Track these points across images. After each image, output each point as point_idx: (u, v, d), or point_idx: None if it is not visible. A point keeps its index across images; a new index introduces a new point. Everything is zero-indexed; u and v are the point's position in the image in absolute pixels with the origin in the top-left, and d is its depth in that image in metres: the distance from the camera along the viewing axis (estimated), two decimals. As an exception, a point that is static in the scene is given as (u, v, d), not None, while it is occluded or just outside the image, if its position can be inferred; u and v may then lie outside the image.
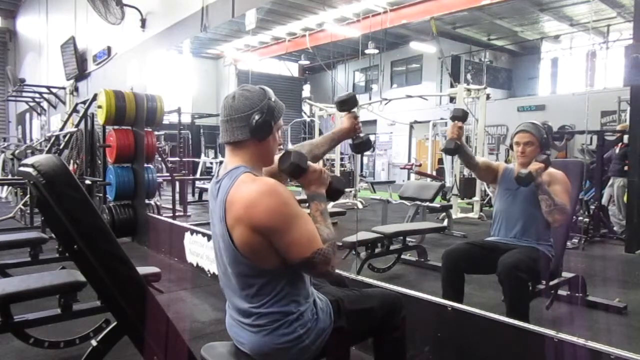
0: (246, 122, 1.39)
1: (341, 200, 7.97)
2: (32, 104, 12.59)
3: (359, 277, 2.76)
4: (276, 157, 1.52)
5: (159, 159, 7.46)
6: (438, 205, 5.50)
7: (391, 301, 1.66)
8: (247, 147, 1.42)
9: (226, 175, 1.40)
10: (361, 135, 1.84)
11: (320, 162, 2.01)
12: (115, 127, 5.33)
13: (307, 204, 1.50)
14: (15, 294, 2.04)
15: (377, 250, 3.66)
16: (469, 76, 14.08)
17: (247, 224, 1.30)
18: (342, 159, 10.90)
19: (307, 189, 1.48)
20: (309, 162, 1.49)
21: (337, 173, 9.13)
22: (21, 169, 1.28)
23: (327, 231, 1.39)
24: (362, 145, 1.84)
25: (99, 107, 5.20)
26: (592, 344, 1.68)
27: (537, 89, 14.64)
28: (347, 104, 1.84)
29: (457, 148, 2.51)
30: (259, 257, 1.34)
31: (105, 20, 6.35)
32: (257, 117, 1.38)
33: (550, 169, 2.49)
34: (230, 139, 1.41)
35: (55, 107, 11.11)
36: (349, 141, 1.88)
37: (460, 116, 2.53)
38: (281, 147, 1.53)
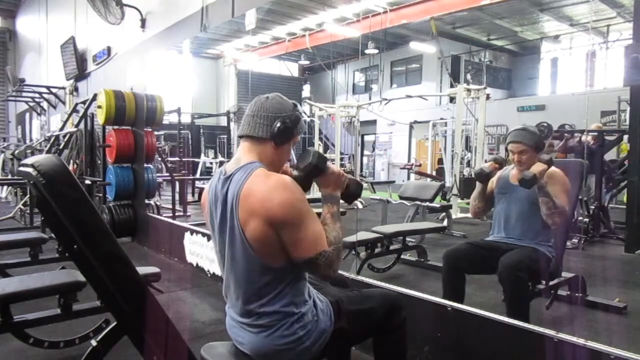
0: (271, 123, 1.43)
1: (341, 200, 7.95)
2: (31, 104, 12.56)
3: (359, 277, 2.76)
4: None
5: (159, 159, 7.45)
6: (438, 205, 5.49)
7: (391, 301, 1.66)
8: (263, 147, 1.45)
9: (239, 169, 1.41)
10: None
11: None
12: (115, 127, 5.32)
13: (319, 203, 1.51)
14: (15, 294, 2.04)
15: (377, 250, 3.66)
16: (468, 76, 14.07)
17: (262, 217, 1.32)
18: (341, 159, 10.89)
19: (323, 189, 1.51)
20: (328, 164, 1.50)
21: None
22: (21, 169, 1.28)
23: (334, 234, 1.41)
24: (311, 173, 1.50)
25: (99, 107, 5.20)
26: (592, 344, 1.68)
27: (537, 89, 14.63)
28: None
29: (489, 175, 2.69)
30: (268, 253, 1.35)
31: (105, 20, 6.34)
32: (282, 121, 1.42)
33: (550, 168, 2.48)
34: (251, 133, 1.44)
35: (55, 107, 11.09)
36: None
37: (501, 161, 2.76)
38: (289, 163, 1.54)
